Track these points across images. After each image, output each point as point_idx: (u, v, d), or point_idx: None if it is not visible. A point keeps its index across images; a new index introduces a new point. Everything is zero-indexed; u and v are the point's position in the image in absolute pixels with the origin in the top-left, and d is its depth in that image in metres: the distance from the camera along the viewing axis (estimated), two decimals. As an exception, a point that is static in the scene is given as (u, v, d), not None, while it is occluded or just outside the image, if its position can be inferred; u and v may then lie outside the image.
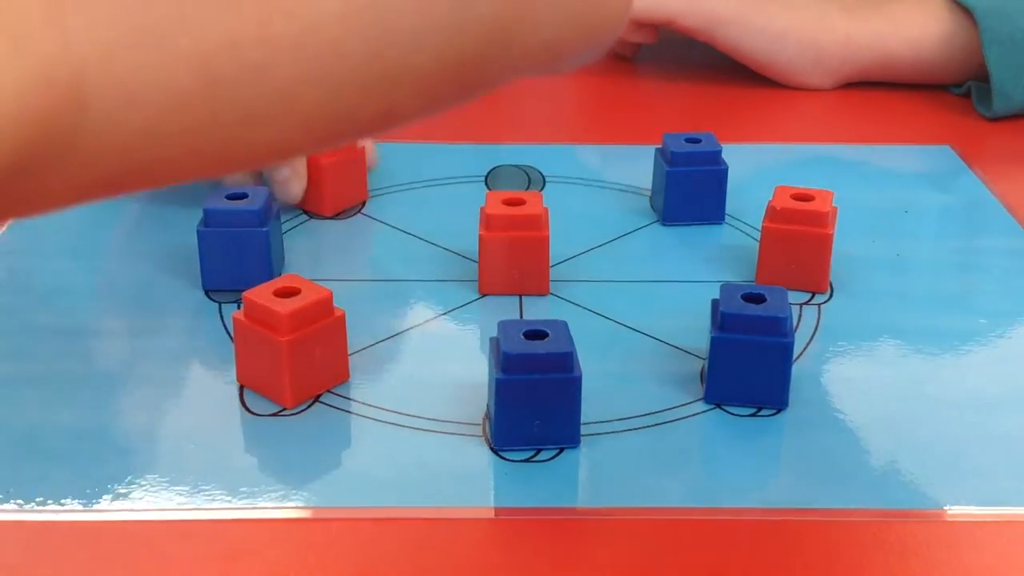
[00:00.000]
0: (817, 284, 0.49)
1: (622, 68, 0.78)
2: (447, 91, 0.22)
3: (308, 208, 0.56)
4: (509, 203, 0.49)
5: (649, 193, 0.58)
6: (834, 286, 0.50)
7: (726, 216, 0.56)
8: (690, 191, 0.55)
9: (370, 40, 0.19)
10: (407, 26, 0.20)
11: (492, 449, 0.39)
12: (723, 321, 0.41)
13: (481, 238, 0.48)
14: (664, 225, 0.56)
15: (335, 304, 0.42)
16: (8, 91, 0.16)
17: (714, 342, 0.41)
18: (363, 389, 0.43)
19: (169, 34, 0.17)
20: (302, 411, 0.41)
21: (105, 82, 0.17)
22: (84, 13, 0.16)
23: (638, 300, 0.50)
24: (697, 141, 0.55)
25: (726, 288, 0.42)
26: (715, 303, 0.42)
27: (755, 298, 0.41)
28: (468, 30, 0.21)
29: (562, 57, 0.24)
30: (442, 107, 0.22)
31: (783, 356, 0.41)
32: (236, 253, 0.48)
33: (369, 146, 0.58)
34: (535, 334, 0.39)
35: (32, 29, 0.16)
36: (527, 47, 0.22)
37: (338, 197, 0.56)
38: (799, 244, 0.49)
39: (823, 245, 0.49)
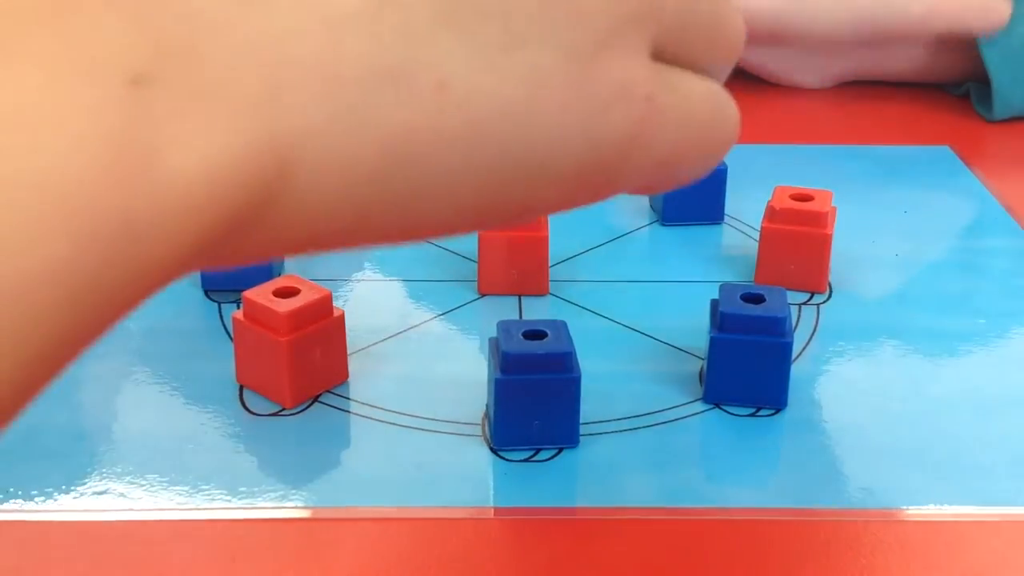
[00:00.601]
0: (816, 284, 0.49)
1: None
2: (578, 194, 0.23)
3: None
4: None
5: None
6: (833, 286, 0.50)
7: (726, 216, 0.56)
8: (689, 191, 0.55)
9: (525, 139, 0.21)
10: (555, 126, 0.21)
11: (491, 449, 0.39)
12: (722, 321, 0.41)
13: (480, 238, 0.48)
14: (664, 225, 0.56)
15: (335, 304, 0.42)
16: (226, 157, 0.17)
17: (713, 342, 0.41)
18: (363, 389, 0.43)
19: (361, 119, 0.19)
20: (302, 411, 0.41)
21: (305, 157, 0.19)
22: (295, 95, 0.18)
23: (638, 300, 0.50)
24: None
25: (725, 288, 0.42)
26: (714, 303, 0.42)
27: (754, 298, 0.41)
28: (604, 138, 0.22)
29: (672, 175, 0.25)
30: (567, 207, 0.24)
31: (782, 356, 0.41)
32: (236, 253, 0.48)
33: None
34: (535, 334, 0.39)
35: (252, 103, 0.18)
36: (642, 162, 0.24)
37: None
38: (798, 244, 0.49)
39: (822, 245, 0.49)
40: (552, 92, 0.21)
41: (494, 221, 0.23)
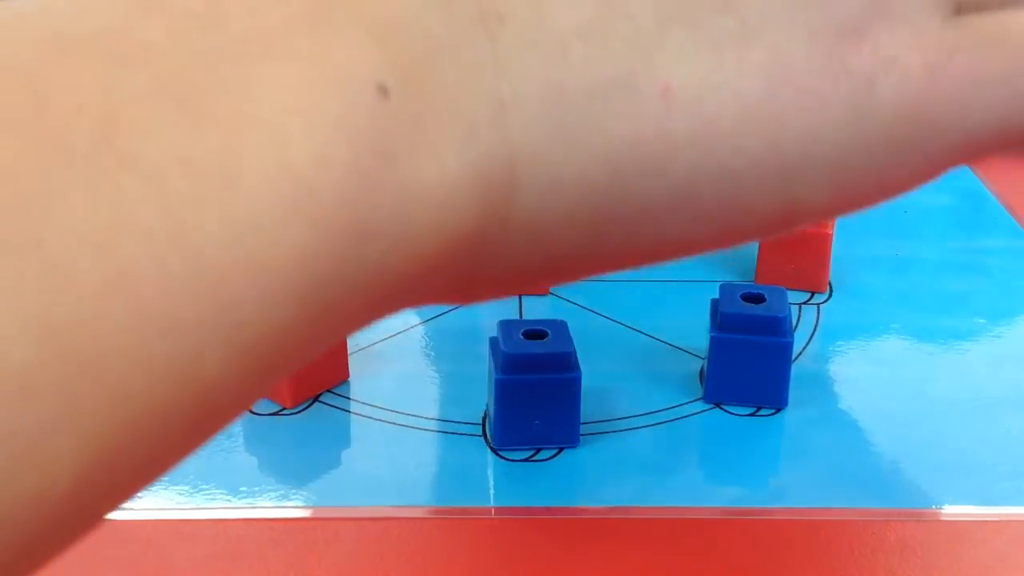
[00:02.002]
0: (816, 284, 0.49)
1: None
2: (859, 186, 0.21)
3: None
4: None
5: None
6: (833, 286, 0.50)
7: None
8: None
9: (766, 135, 0.19)
10: (803, 118, 0.20)
11: (491, 449, 0.39)
12: (722, 321, 0.41)
13: None
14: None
15: (335, 304, 0.42)
16: (456, 170, 0.18)
17: (714, 342, 0.41)
18: (363, 389, 0.43)
19: (584, 133, 0.19)
20: (302, 410, 0.41)
21: (532, 172, 0.19)
22: (520, 111, 0.18)
23: (638, 300, 0.50)
24: None
25: (725, 288, 0.42)
26: (715, 303, 0.42)
27: (754, 298, 0.41)
28: (872, 123, 0.20)
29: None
30: (857, 205, 0.22)
31: (783, 356, 0.41)
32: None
33: None
34: (535, 334, 0.39)
35: (480, 120, 0.18)
36: (951, 137, 0.21)
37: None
38: (799, 244, 0.49)
39: (823, 245, 0.49)
40: (796, 82, 0.19)
41: (749, 229, 0.21)
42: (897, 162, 0.21)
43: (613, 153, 0.19)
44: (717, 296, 0.42)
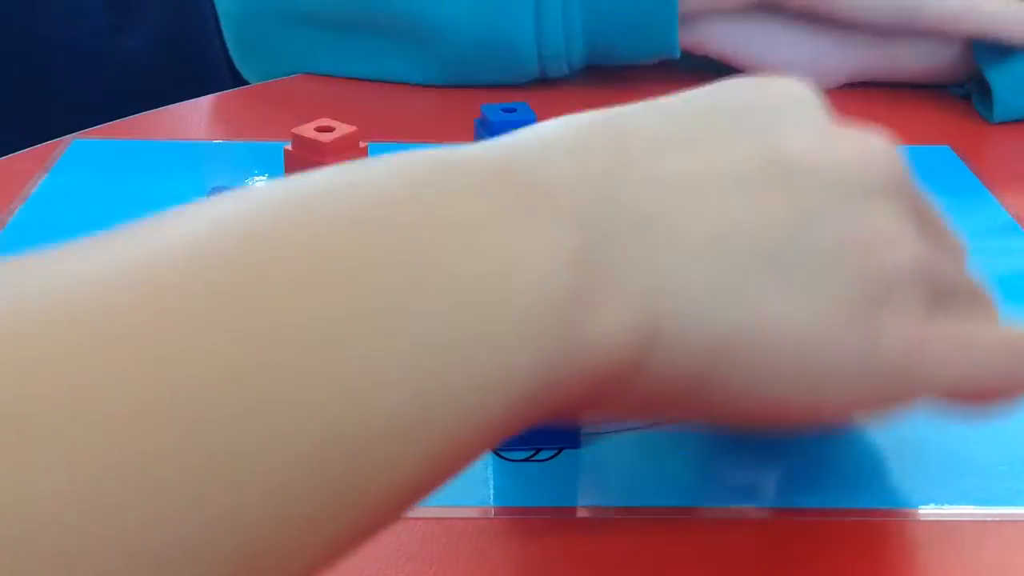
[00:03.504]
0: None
1: (623, 75, 0.78)
2: (862, 404, 0.31)
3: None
4: None
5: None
6: (834, 286, 0.50)
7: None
8: None
9: (810, 354, 0.29)
10: (834, 351, 0.29)
11: (491, 449, 0.39)
12: None
13: None
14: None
15: (335, 304, 0.42)
16: (623, 327, 0.26)
17: None
18: (363, 389, 0.43)
19: (706, 317, 0.27)
20: (302, 411, 0.41)
21: (666, 336, 0.27)
22: (668, 296, 0.27)
23: (638, 300, 0.49)
24: None
25: None
26: None
27: None
28: (878, 367, 0.30)
29: (973, 402, 0.34)
30: (855, 413, 0.34)
31: None
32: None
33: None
34: (535, 334, 0.39)
35: (640, 295, 0.26)
36: (928, 387, 0.32)
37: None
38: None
39: None
40: (835, 326, 0.28)
41: (784, 419, 0.31)
42: (886, 391, 0.31)
43: (721, 338, 0.27)
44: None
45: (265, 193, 0.23)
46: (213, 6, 0.75)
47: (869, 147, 0.32)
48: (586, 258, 0.25)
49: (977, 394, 0.33)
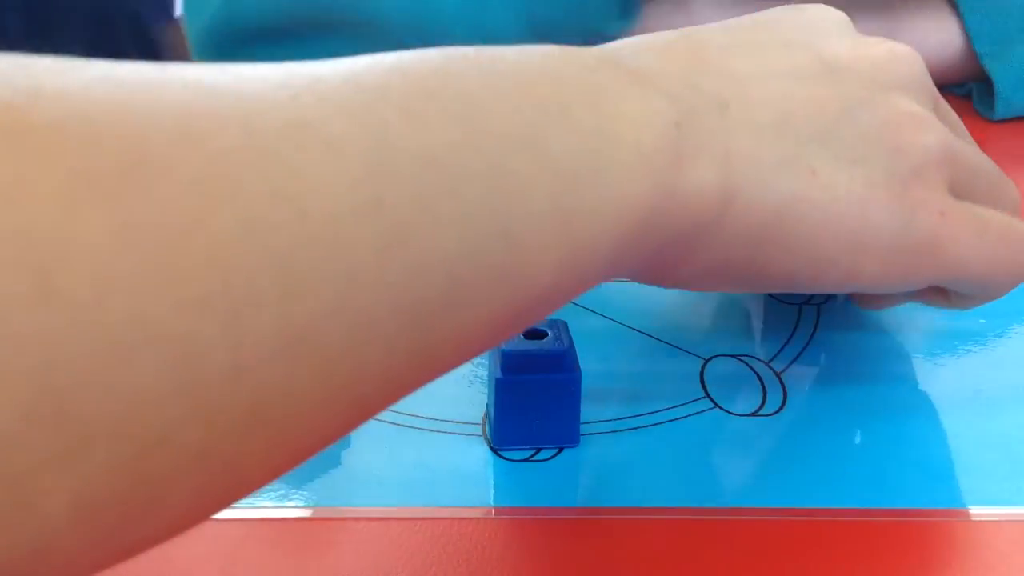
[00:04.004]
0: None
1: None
2: (891, 273, 0.35)
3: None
4: None
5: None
6: (834, 286, 0.50)
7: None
8: None
9: (854, 222, 0.34)
10: (876, 219, 0.34)
11: (492, 449, 0.39)
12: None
13: None
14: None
15: (335, 304, 0.42)
16: (708, 183, 0.31)
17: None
18: (363, 389, 0.43)
19: (771, 182, 0.32)
20: (302, 411, 0.41)
21: (738, 199, 0.32)
22: (741, 160, 0.32)
23: (638, 300, 0.49)
24: None
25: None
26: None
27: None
28: (911, 235, 0.34)
29: (978, 282, 0.38)
30: (882, 282, 0.36)
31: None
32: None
33: None
34: (535, 333, 0.39)
35: (722, 158, 0.31)
36: (946, 259, 0.36)
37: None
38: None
39: None
40: (877, 196, 0.33)
41: (823, 281, 0.35)
42: (911, 263, 0.35)
43: (782, 200, 0.32)
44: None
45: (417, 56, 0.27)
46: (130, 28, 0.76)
47: (896, 51, 0.37)
48: (681, 122, 0.30)
49: (981, 277, 0.37)
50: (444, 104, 0.25)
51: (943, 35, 0.72)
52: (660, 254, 0.31)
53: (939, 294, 0.40)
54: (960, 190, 0.36)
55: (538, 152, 0.26)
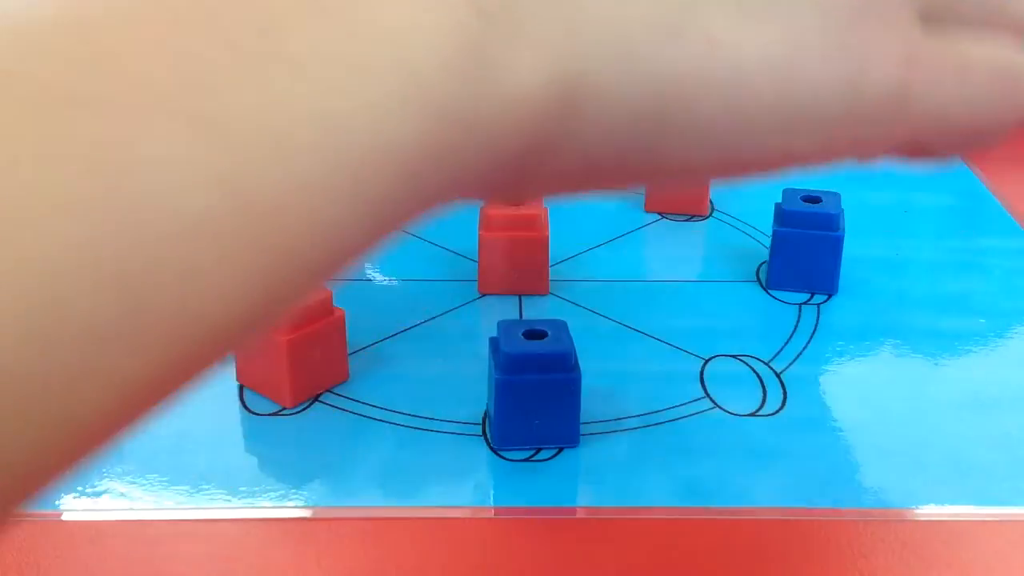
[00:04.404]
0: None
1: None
2: (839, 144, 0.26)
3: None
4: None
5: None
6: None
7: (728, 215, 0.56)
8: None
9: (782, 89, 0.24)
10: (813, 80, 0.24)
11: (492, 449, 0.39)
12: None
13: (481, 238, 0.48)
14: (665, 220, 0.56)
15: (335, 304, 0.42)
16: (537, 81, 0.21)
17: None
18: (363, 389, 0.43)
19: (641, 63, 0.23)
20: (302, 410, 0.41)
21: (593, 90, 0.22)
22: (588, 40, 0.22)
23: (638, 300, 0.50)
24: None
25: (787, 192, 0.45)
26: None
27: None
28: (865, 93, 0.25)
29: (960, 132, 0.28)
30: (830, 157, 0.27)
31: (834, 248, 0.42)
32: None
33: None
34: (535, 334, 0.39)
35: (557, 42, 0.22)
36: (917, 116, 0.26)
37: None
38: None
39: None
40: (810, 50, 0.24)
41: (756, 165, 0.26)
42: (871, 130, 0.26)
43: (663, 84, 0.23)
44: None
45: None
46: None
47: None
48: (493, 9, 0.21)
49: (968, 131, 0.28)
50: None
51: None
52: (484, 178, 0.22)
53: (918, 149, 0.29)
54: (936, 11, 0.27)
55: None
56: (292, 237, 0.18)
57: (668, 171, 0.25)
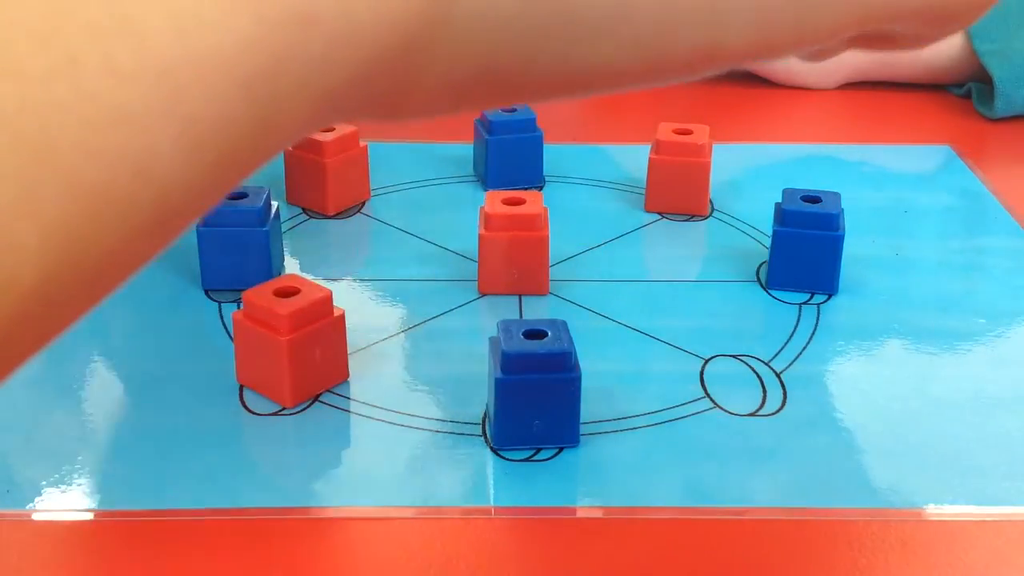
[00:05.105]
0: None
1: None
2: (775, 32, 0.22)
3: (310, 207, 0.56)
4: (509, 203, 0.49)
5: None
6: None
7: (728, 215, 0.56)
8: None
9: None
10: None
11: (492, 449, 0.39)
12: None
13: (481, 237, 0.48)
14: (665, 220, 0.56)
15: (335, 304, 0.42)
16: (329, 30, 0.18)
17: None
18: (363, 389, 0.43)
19: None
20: (302, 410, 0.41)
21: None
22: None
23: (638, 300, 0.50)
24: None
25: (787, 191, 0.44)
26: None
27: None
28: None
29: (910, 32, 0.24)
30: (776, 51, 0.22)
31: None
32: (236, 252, 0.48)
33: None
34: (535, 334, 0.39)
35: None
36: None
37: (341, 196, 0.56)
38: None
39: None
40: None
41: (680, 66, 0.22)
42: (810, 10, 0.22)
43: None
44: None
45: None
46: None
47: None
48: None
49: (927, 7, 0.23)
50: None
51: None
52: (354, 89, 0.19)
53: (878, 36, 0.25)
54: None
55: None
56: (101, 176, 0.16)
57: (580, 78, 0.21)
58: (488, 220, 0.48)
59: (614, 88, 0.22)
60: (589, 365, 0.39)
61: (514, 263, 0.49)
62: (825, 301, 0.49)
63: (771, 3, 0.21)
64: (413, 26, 0.18)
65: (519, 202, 0.49)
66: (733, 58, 0.22)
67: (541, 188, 0.59)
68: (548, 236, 0.49)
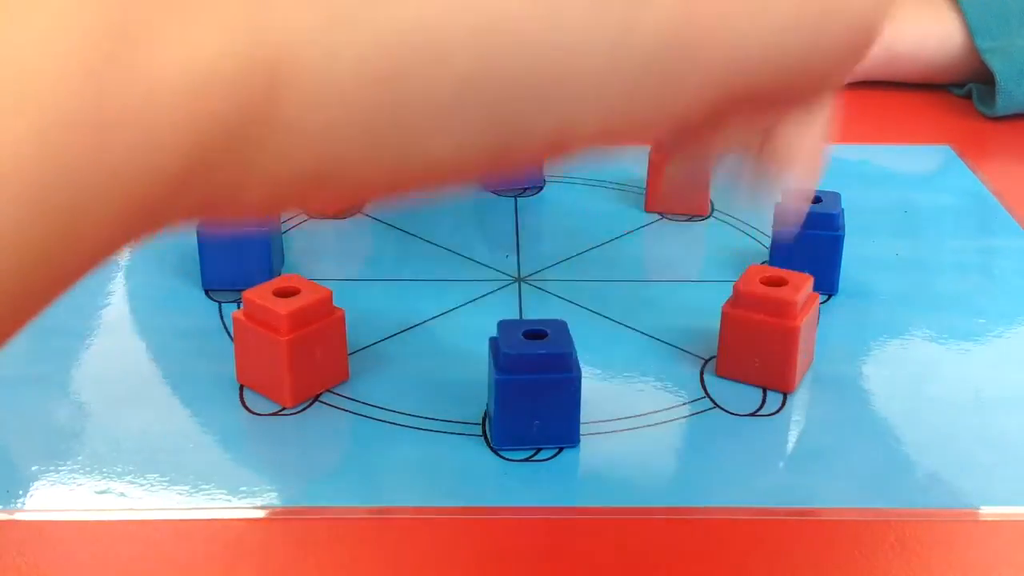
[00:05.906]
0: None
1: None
2: (629, 112, 0.21)
3: (308, 208, 0.56)
4: (767, 282, 0.43)
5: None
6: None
7: (728, 216, 0.56)
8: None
9: (541, 43, 0.19)
10: (581, 24, 0.19)
11: (491, 449, 0.39)
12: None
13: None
14: (665, 220, 0.56)
15: (335, 304, 0.42)
16: (210, 59, 0.16)
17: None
18: (363, 389, 0.43)
19: (363, 18, 0.18)
20: (302, 410, 0.41)
21: (300, 68, 0.17)
22: (284, 3, 0.17)
23: (638, 300, 0.50)
24: None
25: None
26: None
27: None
28: (641, 31, 0.20)
29: (785, 71, 0.22)
30: (634, 132, 0.21)
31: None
32: (236, 253, 0.48)
33: None
34: (534, 334, 0.39)
35: (240, 6, 0.17)
36: (714, 69, 0.21)
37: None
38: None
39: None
40: (552, 4, 0.19)
41: (528, 149, 0.21)
42: (665, 88, 0.21)
43: (395, 37, 0.18)
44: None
45: None
46: None
47: None
48: None
49: (782, 60, 0.22)
50: None
51: (944, 31, 0.72)
52: (173, 190, 0.17)
53: (748, 102, 0.23)
54: None
55: None
56: None
57: (423, 171, 0.20)
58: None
59: (470, 179, 0.21)
60: (589, 365, 0.39)
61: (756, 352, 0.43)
62: (825, 301, 0.49)
63: (622, 80, 0.20)
64: (231, 128, 0.17)
65: (781, 282, 0.43)
66: (588, 141, 0.21)
67: (541, 188, 0.59)
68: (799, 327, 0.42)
